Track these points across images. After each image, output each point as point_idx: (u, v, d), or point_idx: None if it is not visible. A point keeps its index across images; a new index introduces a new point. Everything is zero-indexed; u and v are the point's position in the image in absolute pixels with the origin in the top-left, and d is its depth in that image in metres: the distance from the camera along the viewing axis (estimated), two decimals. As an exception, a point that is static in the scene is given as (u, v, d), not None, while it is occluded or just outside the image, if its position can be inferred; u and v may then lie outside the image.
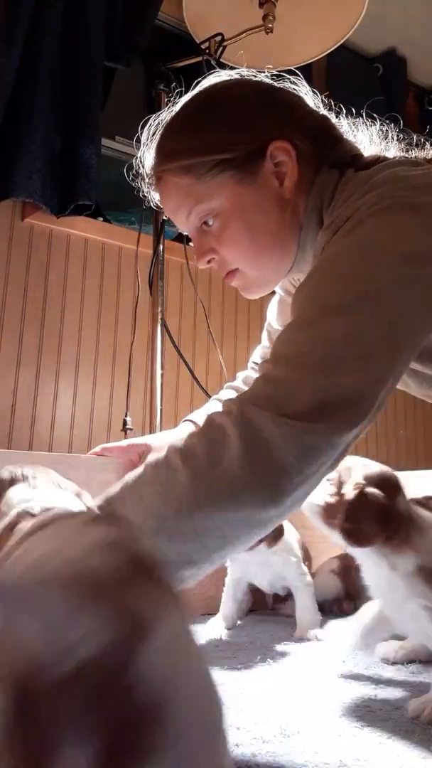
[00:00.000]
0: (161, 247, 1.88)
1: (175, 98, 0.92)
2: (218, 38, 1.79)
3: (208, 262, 0.90)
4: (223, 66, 1.84)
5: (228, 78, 0.91)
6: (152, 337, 1.85)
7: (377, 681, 0.82)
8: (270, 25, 1.72)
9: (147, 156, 0.92)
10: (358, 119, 0.93)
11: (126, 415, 1.83)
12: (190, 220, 0.88)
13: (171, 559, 0.62)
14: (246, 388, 1.11)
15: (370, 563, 0.83)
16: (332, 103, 0.95)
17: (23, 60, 1.89)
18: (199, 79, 0.92)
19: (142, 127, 0.92)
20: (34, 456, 1.25)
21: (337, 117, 0.92)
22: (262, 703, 0.71)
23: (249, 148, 0.84)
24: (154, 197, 0.94)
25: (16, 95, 1.87)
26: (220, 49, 1.79)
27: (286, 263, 0.89)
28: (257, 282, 0.92)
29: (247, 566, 1.16)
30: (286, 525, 1.20)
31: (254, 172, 0.85)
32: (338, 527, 0.82)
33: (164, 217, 1.88)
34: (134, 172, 0.94)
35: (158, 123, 0.91)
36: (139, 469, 0.68)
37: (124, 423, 1.81)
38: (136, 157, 0.94)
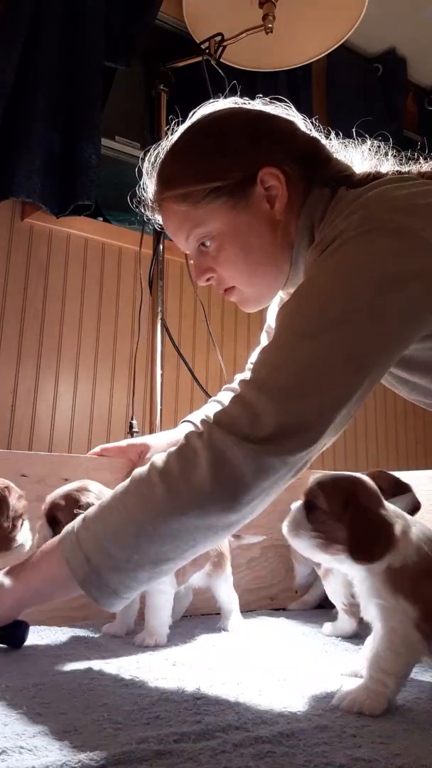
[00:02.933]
0: (161, 247, 1.88)
1: (172, 128, 0.98)
2: (218, 38, 1.79)
3: (207, 280, 0.97)
4: (223, 66, 1.85)
5: (221, 107, 0.96)
6: (152, 337, 1.85)
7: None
8: (270, 25, 1.72)
9: (149, 183, 0.99)
10: (348, 141, 0.97)
11: (132, 418, 1.83)
12: (189, 242, 0.95)
13: (151, 558, 0.77)
14: None
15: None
16: (328, 116, 0.98)
17: (23, 60, 1.89)
18: (196, 108, 0.98)
19: (143, 157, 0.99)
20: (34, 456, 1.25)
21: (327, 137, 0.97)
22: (262, 703, 0.71)
23: (240, 175, 0.91)
24: (157, 220, 1.01)
25: (16, 95, 1.88)
26: (220, 49, 1.79)
27: (280, 280, 0.96)
28: (253, 298, 0.99)
29: None
30: None
31: (246, 197, 0.91)
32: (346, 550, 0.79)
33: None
34: (137, 198, 1.01)
35: (158, 152, 0.98)
36: (126, 483, 0.81)
37: (131, 426, 1.81)
38: (139, 185, 1.01)
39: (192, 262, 0.98)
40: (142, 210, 1.01)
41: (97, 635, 1.06)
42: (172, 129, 0.98)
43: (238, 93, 1.00)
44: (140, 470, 0.80)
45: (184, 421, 1.28)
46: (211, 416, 0.79)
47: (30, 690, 0.75)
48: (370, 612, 0.75)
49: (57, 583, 0.84)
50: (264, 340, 1.26)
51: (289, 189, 0.90)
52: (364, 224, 0.77)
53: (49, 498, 1.01)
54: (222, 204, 0.90)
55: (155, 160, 0.97)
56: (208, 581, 1.14)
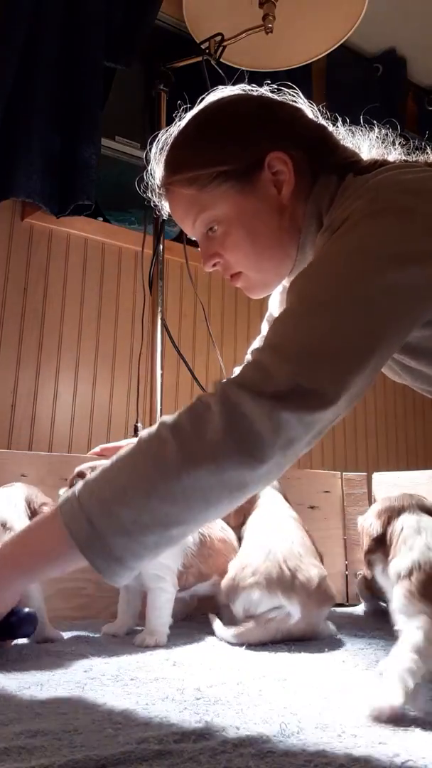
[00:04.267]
0: (161, 247, 1.88)
1: (180, 114, 0.99)
2: (218, 38, 1.79)
3: (214, 265, 0.97)
4: (223, 66, 1.85)
5: (229, 93, 0.97)
6: (152, 337, 1.85)
7: (377, 680, 0.82)
8: (270, 25, 1.72)
9: (156, 169, 0.99)
10: (356, 127, 0.98)
11: (137, 421, 1.83)
12: (196, 227, 0.96)
13: (160, 519, 0.71)
14: None
15: None
16: (329, 113, 1.01)
17: (23, 60, 1.89)
18: (204, 94, 0.99)
19: (151, 142, 0.99)
20: (34, 456, 1.25)
21: (334, 125, 0.98)
22: (262, 703, 0.71)
23: (247, 159, 0.91)
24: (165, 207, 1.01)
25: (16, 95, 1.87)
26: (220, 49, 1.79)
27: (287, 266, 0.95)
28: (259, 283, 0.99)
29: None
30: None
31: (253, 181, 0.91)
32: None
33: (164, 218, 1.88)
34: (144, 184, 1.00)
35: (166, 138, 0.98)
36: (132, 444, 0.77)
37: (135, 429, 1.82)
38: (147, 170, 1.01)
39: (199, 248, 0.98)
40: (150, 196, 1.01)
41: (97, 635, 1.06)
42: (179, 116, 0.99)
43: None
44: (148, 430, 0.76)
45: None
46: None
47: (30, 690, 0.75)
48: None
49: (55, 554, 0.77)
50: (265, 329, 1.28)
51: (297, 174, 0.91)
52: (374, 205, 0.78)
53: (78, 468, 1.06)
54: (229, 188, 0.91)
55: (163, 146, 0.98)
56: (214, 591, 1.14)
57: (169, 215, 1.00)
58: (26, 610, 0.85)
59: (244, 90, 0.98)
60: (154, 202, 1.01)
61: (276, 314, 1.21)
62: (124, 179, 2.31)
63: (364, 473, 1.56)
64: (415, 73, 3.12)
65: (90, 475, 0.77)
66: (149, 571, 1.05)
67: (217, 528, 1.18)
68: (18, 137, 1.87)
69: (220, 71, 1.79)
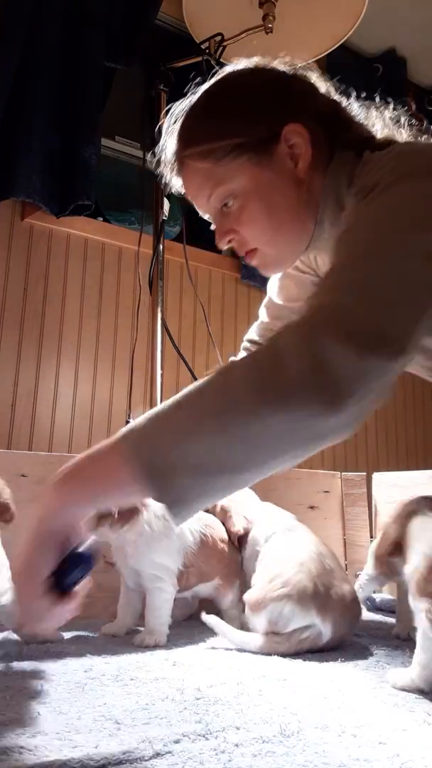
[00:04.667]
0: (161, 247, 1.88)
1: (191, 88, 0.97)
2: (218, 38, 1.79)
3: (229, 242, 0.95)
4: (223, 66, 1.85)
5: (244, 66, 0.97)
6: (152, 337, 1.85)
7: (377, 680, 0.82)
8: (270, 25, 1.72)
9: (169, 142, 0.96)
10: (369, 104, 1.00)
11: (128, 417, 1.83)
12: (210, 203, 0.94)
13: (229, 461, 0.66)
14: None
15: None
16: (343, 88, 1.00)
17: (23, 60, 1.89)
18: (196, 77, 0.98)
19: (152, 139, 1.02)
20: (34, 456, 1.25)
21: (348, 102, 0.98)
22: (262, 703, 0.71)
23: (264, 131, 0.90)
24: (176, 183, 0.99)
25: (16, 95, 1.87)
26: (220, 49, 1.79)
27: (303, 241, 0.94)
28: (275, 259, 0.97)
29: (117, 557, 1.07)
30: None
31: (270, 154, 0.90)
32: None
33: (164, 217, 1.88)
34: (156, 159, 0.99)
35: (180, 110, 0.96)
36: (200, 381, 0.71)
37: (127, 424, 1.81)
38: (159, 145, 0.99)
39: (213, 225, 0.97)
40: (163, 172, 0.99)
41: (97, 635, 1.06)
42: (192, 90, 0.97)
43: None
44: (220, 367, 0.72)
45: None
46: None
47: (30, 690, 0.75)
48: None
49: (114, 487, 0.70)
50: (263, 315, 1.27)
51: (313, 148, 0.90)
52: (404, 168, 0.78)
53: None
54: (245, 161, 0.89)
55: (176, 119, 0.96)
56: (215, 595, 1.14)
57: (180, 198, 0.98)
58: (80, 549, 0.72)
59: (257, 64, 0.97)
60: (166, 178, 0.99)
61: (277, 299, 1.21)
62: (124, 179, 2.31)
63: (364, 473, 1.56)
64: (415, 73, 3.12)
65: (152, 411, 0.71)
66: (148, 571, 1.04)
67: (220, 530, 1.17)
68: (18, 137, 1.86)
69: (238, 60, 1.79)
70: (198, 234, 2.24)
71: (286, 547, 1.06)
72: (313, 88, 0.96)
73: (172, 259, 2.20)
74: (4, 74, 1.84)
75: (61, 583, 0.68)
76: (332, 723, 0.65)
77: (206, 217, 0.98)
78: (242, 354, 1.31)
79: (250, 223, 0.92)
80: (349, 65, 2.90)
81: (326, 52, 1.94)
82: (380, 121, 0.96)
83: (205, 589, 1.13)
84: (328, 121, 0.92)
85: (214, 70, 0.97)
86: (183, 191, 0.98)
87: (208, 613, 1.02)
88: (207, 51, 1.80)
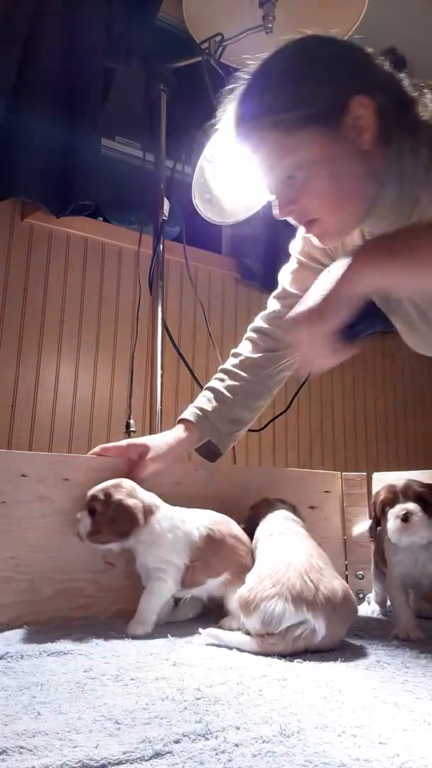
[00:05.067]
0: (161, 247, 1.88)
1: (244, 61, 0.98)
2: (218, 38, 1.79)
3: (289, 212, 0.98)
4: (222, 66, 1.85)
5: (310, 36, 0.97)
6: (152, 338, 1.85)
7: (377, 680, 0.82)
8: (270, 25, 1.72)
9: (233, 114, 0.98)
10: (419, 81, 1.02)
11: (129, 418, 1.83)
12: (275, 173, 0.96)
13: None
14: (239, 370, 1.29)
15: None
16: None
17: (24, 60, 1.89)
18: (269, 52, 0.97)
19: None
20: (34, 456, 1.25)
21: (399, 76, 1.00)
22: (262, 703, 0.71)
23: (333, 103, 0.92)
24: (238, 154, 1.01)
25: (16, 95, 1.87)
26: (220, 49, 1.79)
27: (363, 212, 0.98)
28: (335, 229, 1.00)
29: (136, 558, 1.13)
30: (177, 516, 1.15)
31: (337, 125, 0.92)
32: None
33: (164, 217, 1.88)
34: (214, 127, 1.03)
35: (245, 83, 0.97)
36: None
37: (128, 426, 1.82)
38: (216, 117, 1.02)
39: (275, 196, 0.99)
40: (222, 141, 1.05)
41: (97, 635, 1.06)
42: (244, 65, 0.98)
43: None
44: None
45: (180, 421, 1.31)
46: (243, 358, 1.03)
47: (30, 690, 0.75)
48: None
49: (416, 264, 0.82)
50: (274, 304, 1.31)
51: (378, 120, 0.92)
52: None
53: (91, 491, 1.10)
54: (314, 132, 0.91)
55: (241, 91, 0.97)
56: (223, 591, 1.14)
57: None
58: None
59: (319, 35, 0.97)
60: (226, 150, 1.05)
61: (291, 289, 1.25)
62: (124, 179, 2.31)
63: (364, 473, 1.56)
64: (415, 74, 3.12)
65: None
66: (153, 565, 1.09)
67: (231, 525, 1.19)
68: (18, 137, 1.87)
69: (220, 71, 1.79)
70: (198, 234, 2.24)
71: (276, 549, 1.08)
72: (374, 61, 0.97)
73: (172, 259, 2.20)
74: (4, 74, 1.84)
75: (346, 334, 0.84)
76: (332, 723, 0.65)
77: (268, 188, 1.00)
78: (246, 345, 1.33)
79: (314, 193, 0.94)
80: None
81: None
82: (428, 97, 0.99)
83: (214, 585, 1.13)
84: (391, 95, 0.94)
85: (276, 49, 0.97)
86: (243, 158, 1.00)
87: (211, 612, 1.03)
88: (207, 51, 1.80)
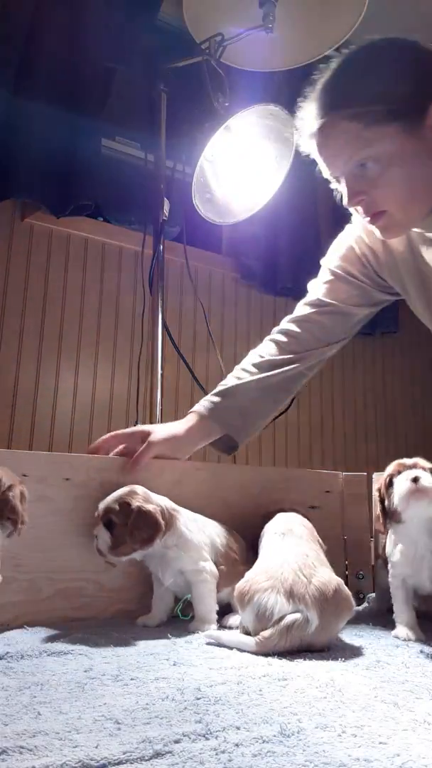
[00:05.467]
0: (161, 247, 1.88)
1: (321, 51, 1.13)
2: (218, 38, 1.79)
3: (358, 202, 1.03)
4: (223, 66, 1.85)
5: (395, 38, 1.02)
6: (153, 337, 1.85)
7: (377, 680, 0.82)
8: (270, 25, 1.72)
9: (313, 102, 1.03)
10: None
11: (136, 422, 1.84)
12: (347, 163, 1.01)
13: None
14: (288, 338, 1.34)
15: None
16: None
17: (24, 60, 1.89)
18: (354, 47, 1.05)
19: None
20: (35, 455, 1.25)
21: None
22: (262, 703, 0.71)
23: (416, 101, 0.97)
24: (308, 144, 1.06)
25: (16, 95, 1.88)
26: (220, 49, 1.79)
27: (426, 211, 1.03)
28: (401, 224, 1.06)
29: (150, 561, 1.15)
30: (198, 519, 1.18)
31: (418, 125, 0.97)
32: None
33: (164, 217, 1.88)
34: (295, 116, 1.07)
35: (330, 72, 1.02)
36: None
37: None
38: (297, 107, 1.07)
39: (344, 186, 1.04)
40: (295, 132, 1.09)
41: (97, 635, 1.06)
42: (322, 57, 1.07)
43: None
44: None
45: (191, 413, 1.33)
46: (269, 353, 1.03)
47: (30, 690, 0.75)
48: None
49: None
50: (304, 310, 1.36)
51: None
52: None
53: (103, 504, 1.09)
54: (395, 128, 0.96)
55: (325, 80, 1.02)
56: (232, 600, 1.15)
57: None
58: None
59: (400, 37, 1.02)
60: (296, 136, 1.08)
61: (324, 298, 1.31)
62: (124, 179, 2.31)
63: (365, 473, 1.56)
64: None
65: None
66: (190, 568, 1.12)
67: (236, 538, 1.23)
68: (18, 137, 1.87)
69: (220, 71, 1.79)
70: (198, 234, 2.24)
71: (276, 549, 1.10)
72: None
73: (172, 259, 2.20)
74: (4, 74, 1.84)
75: None
76: (332, 723, 0.65)
77: (332, 176, 1.05)
78: (269, 345, 1.37)
79: (387, 187, 0.99)
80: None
81: (326, 52, 1.94)
82: None
83: (226, 594, 1.15)
84: None
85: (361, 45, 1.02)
86: (313, 152, 1.05)
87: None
88: (207, 51, 1.80)
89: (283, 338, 1.36)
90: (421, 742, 0.61)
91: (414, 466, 1.09)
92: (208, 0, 1.84)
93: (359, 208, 1.05)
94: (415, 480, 1.05)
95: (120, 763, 0.54)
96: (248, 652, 0.95)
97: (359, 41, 1.02)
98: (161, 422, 1.80)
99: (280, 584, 0.97)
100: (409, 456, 1.15)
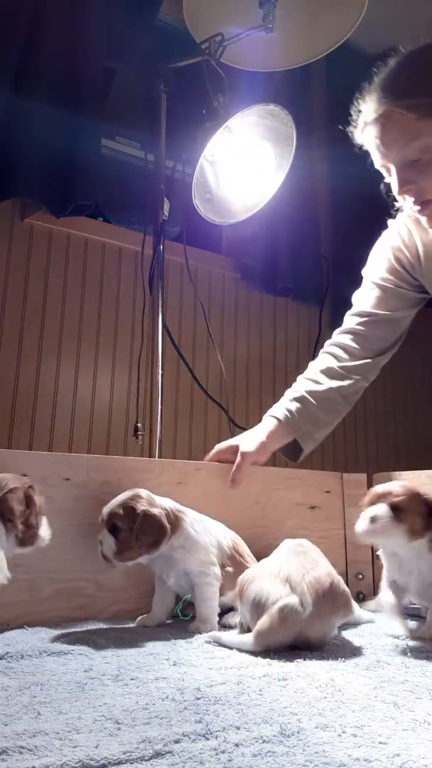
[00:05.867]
0: (161, 247, 1.88)
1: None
2: (218, 38, 1.79)
3: (408, 191, 1.11)
4: (223, 66, 1.85)
5: None
6: (153, 337, 1.85)
7: (377, 680, 0.82)
8: (270, 25, 1.72)
9: (376, 90, 1.12)
10: None
11: (137, 422, 1.84)
12: (401, 152, 1.08)
13: None
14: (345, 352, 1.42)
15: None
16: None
17: (24, 60, 1.89)
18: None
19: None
20: (35, 455, 1.25)
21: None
22: (262, 703, 0.71)
23: None
24: (364, 134, 1.15)
25: (16, 95, 1.88)
26: (220, 49, 1.79)
27: None
28: None
29: (155, 562, 1.14)
30: (204, 520, 1.18)
31: None
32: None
33: (164, 217, 1.88)
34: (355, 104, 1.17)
35: (393, 64, 1.13)
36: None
37: (136, 429, 1.83)
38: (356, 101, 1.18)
39: (395, 174, 1.11)
40: (352, 120, 1.16)
41: (97, 635, 1.06)
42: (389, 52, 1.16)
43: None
44: None
45: (268, 417, 1.40)
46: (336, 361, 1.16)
47: (30, 690, 0.75)
48: None
49: None
50: (353, 321, 1.43)
51: None
52: None
53: (107, 509, 1.08)
54: None
55: (385, 73, 1.12)
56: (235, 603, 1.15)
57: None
58: None
59: None
60: (353, 122, 1.16)
61: (374, 310, 1.39)
62: (124, 179, 2.31)
63: (365, 474, 1.56)
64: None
65: None
66: (196, 569, 1.11)
67: (244, 544, 1.23)
68: (18, 137, 1.87)
69: (220, 71, 1.79)
70: (198, 234, 2.24)
71: (278, 551, 1.11)
72: None
73: (172, 259, 2.20)
74: (4, 74, 1.84)
75: None
76: (332, 723, 0.65)
77: (383, 167, 1.13)
78: (326, 358, 1.43)
79: None
80: (350, 65, 2.89)
81: (326, 52, 1.94)
82: None
83: (230, 598, 1.15)
84: None
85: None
86: (367, 141, 1.13)
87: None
88: (207, 51, 1.80)
89: (340, 351, 1.43)
90: (421, 742, 0.61)
91: (385, 496, 1.07)
92: (208, 0, 1.84)
93: (408, 197, 1.12)
94: (373, 520, 1.04)
95: (120, 763, 0.54)
96: (247, 651, 0.95)
97: (423, 40, 1.12)
98: (161, 422, 1.79)
99: (277, 573, 0.99)
100: (409, 457, 1.15)
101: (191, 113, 1.81)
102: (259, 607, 0.97)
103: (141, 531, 1.05)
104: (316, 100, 2.73)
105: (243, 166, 1.78)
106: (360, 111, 1.14)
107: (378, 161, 1.15)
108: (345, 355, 1.43)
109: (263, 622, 0.95)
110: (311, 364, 1.46)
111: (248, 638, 0.97)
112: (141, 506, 1.06)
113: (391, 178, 1.13)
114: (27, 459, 1.18)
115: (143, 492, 1.11)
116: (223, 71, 1.80)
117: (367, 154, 1.17)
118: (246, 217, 1.85)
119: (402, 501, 1.05)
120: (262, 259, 2.51)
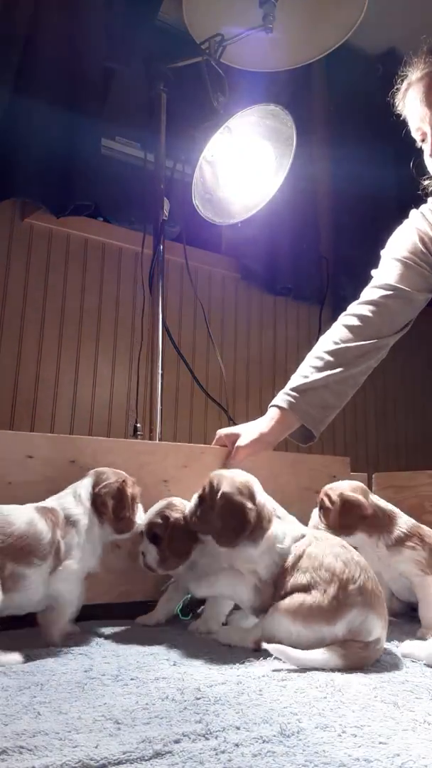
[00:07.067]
0: (161, 247, 1.88)
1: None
2: (218, 38, 1.79)
3: None
4: (223, 66, 1.85)
5: None
6: (153, 337, 1.85)
7: (377, 680, 0.82)
8: (270, 25, 1.72)
9: (420, 57, 1.22)
10: None
11: (136, 422, 1.84)
12: None
13: None
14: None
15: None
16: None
17: (24, 60, 1.89)
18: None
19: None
20: (41, 437, 1.23)
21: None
22: (262, 703, 0.71)
23: None
24: (401, 97, 1.26)
25: (16, 95, 1.87)
26: (220, 49, 1.79)
27: None
28: None
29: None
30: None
31: None
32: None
33: (164, 217, 1.88)
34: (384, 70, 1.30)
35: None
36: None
37: (135, 429, 1.83)
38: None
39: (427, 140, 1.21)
40: (399, 90, 1.26)
41: (97, 635, 1.06)
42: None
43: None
44: None
45: (272, 407, 1.38)
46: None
47: (30, 690, 0.75)
48: None
49: None
50: (374, 294, 1.42)
51: None
52: None
53: (145, 520, 1.12)
54: None
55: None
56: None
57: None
58: None
59: None
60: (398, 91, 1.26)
61: (392, 282, 1.40)
62: (124, 179, 2.30)
63: (365, 474, 1.56)
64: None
65: None
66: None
67: None
68: (18, 137, 1.87)
69: (220, 71, 1.79)
70: (198, 234, 2.24)
71: (332, 551, 0.96)
72: None
73: (172, 259, 2.20)
74: (4, 74, 1.84)
75: None
76: (332, 723, 0.65)
77: (419, 132, 1.22)
78: (341, 331, 1.41)
79: None
80: (350, 65, 2.89)
81: (326, 53, 1.94)
82: None
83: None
84: None
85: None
86: (409, 104, 1.23)
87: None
88: (207, 51, 1.80)
89: (356, 322, 1.40)
90: (421, 742, 0.61)
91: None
92: (208, 0, 1.84)
93: None
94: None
95: (120, 763, 0.54)
96: (334, 669, 0.85)
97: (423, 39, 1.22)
98: (160, 422, 1.79)
99: (370, 598, 0.90)
100: (409, 457, 1.15)
101: (191, 113, 1.81)
102: (358, 636, 0.89)
103: (172, 538, 1.08)
104: (316, 100, 2.73)
105: (243, 166, 1.78)
106: (405, 76, 1.22)
107: (415, 124, 1.23)
108: (359, 328, 1.39)
109: (361, 647, 0.88)
110: (323, 337, 1.43)
111: (328, 658, 0.86)
112: (175, 515, 1.10)
113: (425, 144, 1.20)
114: (33, 440, 1.19)
115: (177, 500, 1.13)
116: (223, 71, 1.80)
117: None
118: (246, 217, 1.85)
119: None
120: (262, 259, 2.51)
